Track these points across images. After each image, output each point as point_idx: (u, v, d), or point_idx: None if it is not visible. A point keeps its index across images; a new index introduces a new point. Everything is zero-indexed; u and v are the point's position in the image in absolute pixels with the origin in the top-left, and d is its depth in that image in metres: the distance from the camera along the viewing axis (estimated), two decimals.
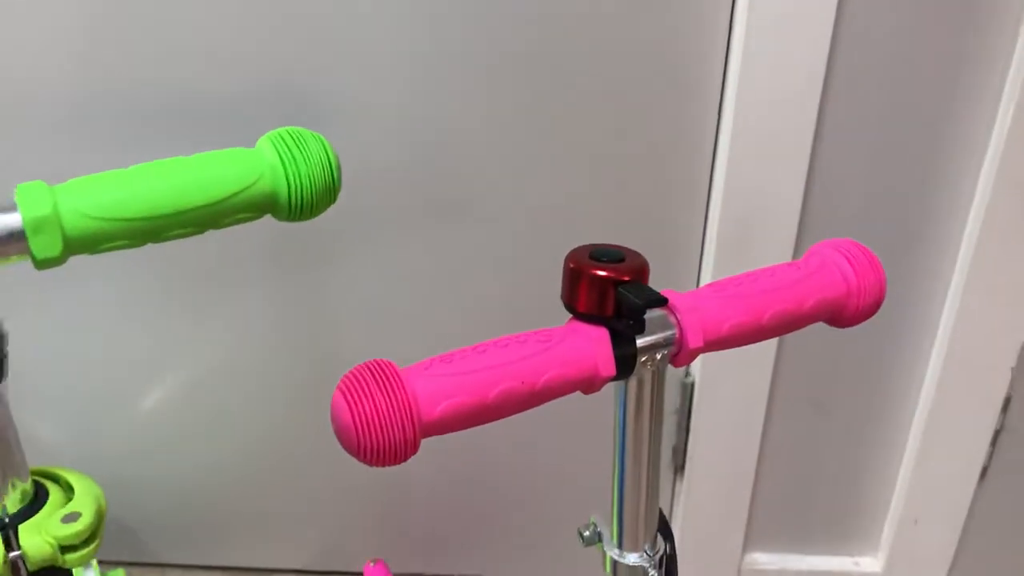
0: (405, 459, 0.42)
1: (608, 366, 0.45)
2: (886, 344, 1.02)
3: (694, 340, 0.47)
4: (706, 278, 0.97)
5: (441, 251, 0.97)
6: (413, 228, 0.95)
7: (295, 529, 1.15)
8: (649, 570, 0.52)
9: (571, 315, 0.47)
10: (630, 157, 0.92)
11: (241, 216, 0.50)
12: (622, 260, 0.46)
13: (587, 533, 0.55)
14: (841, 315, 0.51)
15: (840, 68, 0.86)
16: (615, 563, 0.53)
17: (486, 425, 0.43)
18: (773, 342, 1.00)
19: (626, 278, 0.45)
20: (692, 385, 1.04)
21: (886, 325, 1.00)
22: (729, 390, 1.02)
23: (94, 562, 0.52)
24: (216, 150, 0.51)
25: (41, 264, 0.46)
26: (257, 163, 0.49)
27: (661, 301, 0.44)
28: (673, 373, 1.04)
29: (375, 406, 0.39)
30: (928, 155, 0.92)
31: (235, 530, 1.16)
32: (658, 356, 0.47)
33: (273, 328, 1.01)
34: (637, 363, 0.46)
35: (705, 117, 0.90)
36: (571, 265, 0.46)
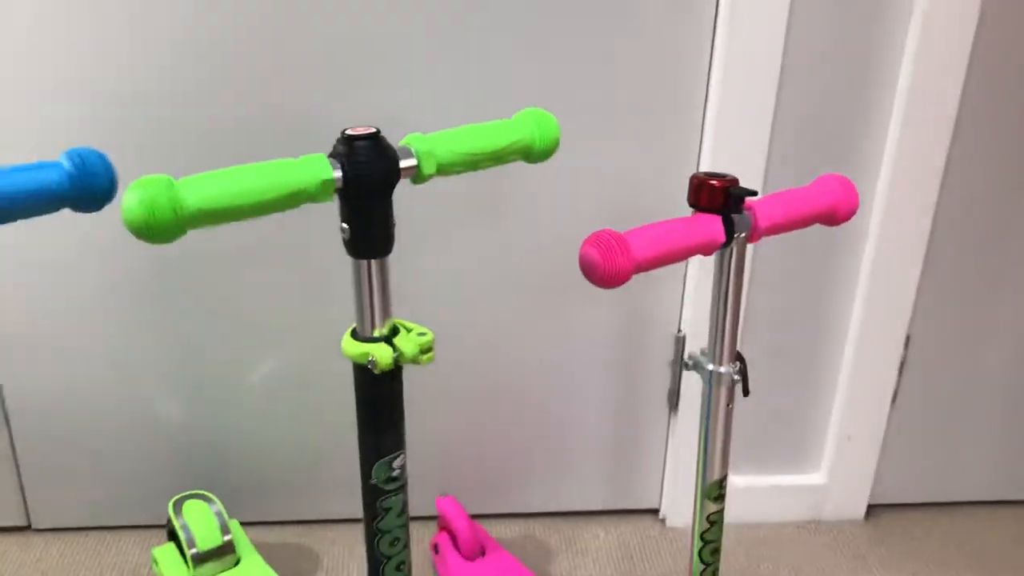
0: (623, 282, 0.74)
1: (721, 236, 0.79)
2: (821, 304, 1.40)
3: (763, 221, 0.81)
4: None
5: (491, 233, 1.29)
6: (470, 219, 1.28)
7: None
8: (735, 376, 0.86)
9: (694, 210, 0.81)
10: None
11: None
12: (724, 177, 0.81)
13: (690, 363, 0.88)
14: (836, 215, 0.87)
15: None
16: (712, 374, 0.86)
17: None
18: (741, 305, 1.37)
19: (729, 185, 0.80)
20: (683, 339, 1.39)
21: (821, 292, 1.38)
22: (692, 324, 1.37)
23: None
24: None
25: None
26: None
27: (752, 193, 0.79)
28: (668, 331, 1.39)
29: (610, 249, 0.72)
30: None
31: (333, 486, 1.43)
32: (743, 234, 0.82)
33: None
34: (734, 236, 0.81)
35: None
36: (695, 181, 0.80)
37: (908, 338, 1.41)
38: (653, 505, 1.49)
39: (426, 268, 1.28)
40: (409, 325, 0.76)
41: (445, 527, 1.38)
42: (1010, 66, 1.25)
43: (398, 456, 0.79)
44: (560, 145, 0.82)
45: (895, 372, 1.43)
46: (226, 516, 1.32)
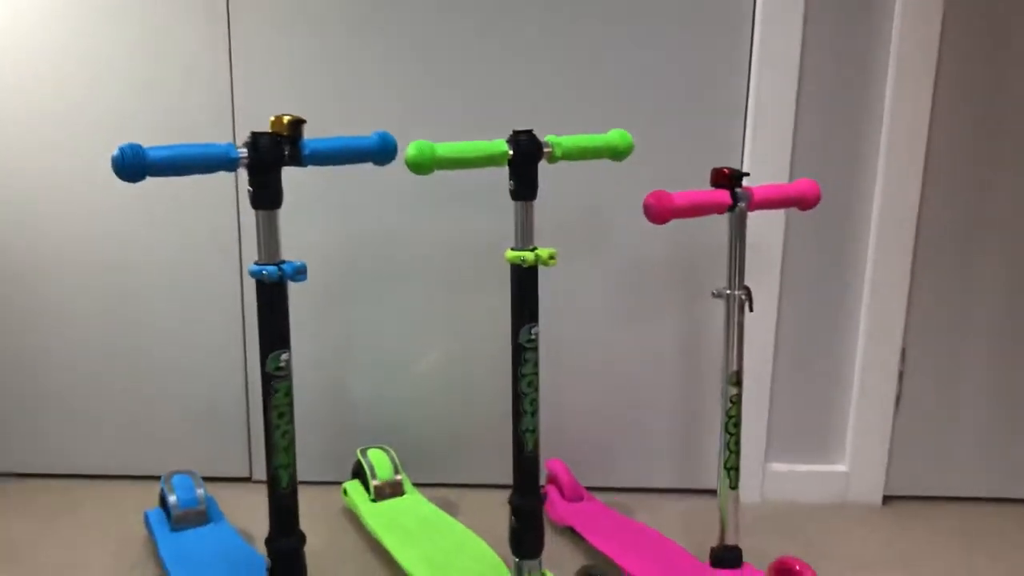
0: (667, 220, 1.30)
1: (728, 201, 1.36)
2: (834, 325, 1.89)
3: (757, 195, 1.38)
4: None
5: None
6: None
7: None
8: (743, 296, 1.39)
9: (712, 186, 1.38)
10: None
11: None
12: (732, 170, 1.38)
13: (716, 292, 1.42)
14: (806, 200, 1.42)
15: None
16: (730, 296, 1.40)
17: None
18: (775, 322, 1.88)
19: (733, 170, 1.37)
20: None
21: (834, 314, 1.89)
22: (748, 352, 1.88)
23: None
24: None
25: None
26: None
27: (745, 174, 1.36)
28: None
29: (657, 198, 1.29)
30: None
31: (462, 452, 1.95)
32: (743, 203, 1.38)
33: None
34: (737, 203, 1.37)
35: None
36: (713, 170, 1.38)
37: (903, 350, 1.89)
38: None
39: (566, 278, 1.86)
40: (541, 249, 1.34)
41: (553, 481, 1.87)
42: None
43: (535, 326, 1.34)
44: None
45: (895, 379, 1.90)
46: (399, 461, 1.85)
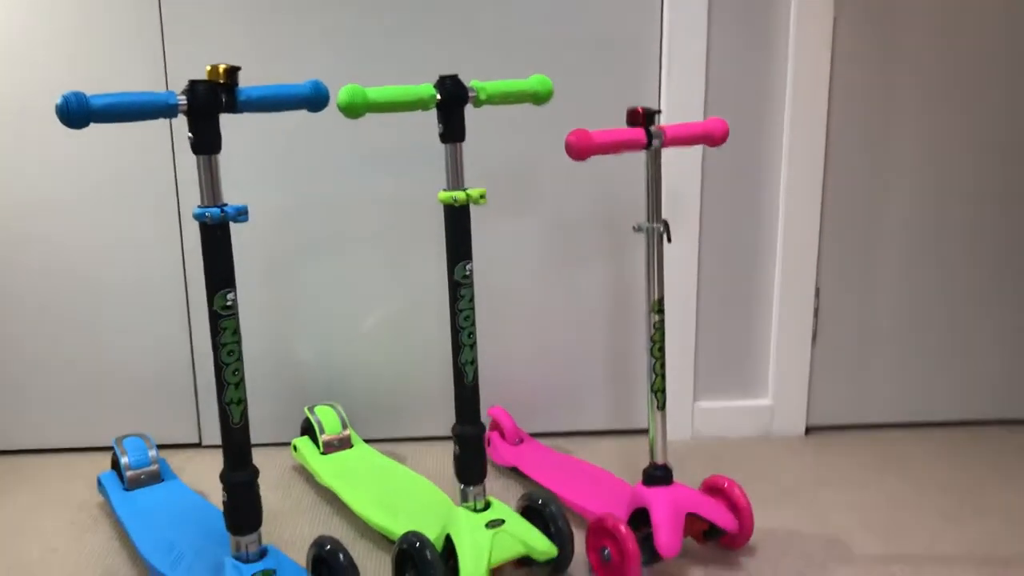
0: (587, 157, 1.40)
1: (643, 139, 1.46)
2: (752, 268, 2.02)
3: (669, 132, 1.48)
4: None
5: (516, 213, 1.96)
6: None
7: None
8: (661, 229, 1.49)
9: (628, 125, 1.48)
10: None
11: None
12: (646, 108, 1.48)
13: (637, 226, 1.52)
14: (714, 137, 1.53)
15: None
16: (649, 228, 1.50)
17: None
18: (696, 267, 1.99)
19: (647, 109, 1.47)
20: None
21: (752, 257, 2.00)
22: (673, 298, 1.99)
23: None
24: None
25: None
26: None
27: (657, 111, 1.46)
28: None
29: (577, 137, 1.38)
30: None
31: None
32: (656, 141, 1.48)
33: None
34: (652, 141, 1.47)
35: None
36: (629, 109, 1.48)
37: (817, 289, 2.02)
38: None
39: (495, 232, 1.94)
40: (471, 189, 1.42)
41: (495, 427, 1.96)
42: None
43: (469, 262, 1.42)
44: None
45: (811, 316, 2.03)
46: (346, 417, 1.92)
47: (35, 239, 1.93)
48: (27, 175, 1.90)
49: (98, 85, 1.76)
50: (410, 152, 1.90)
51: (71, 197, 1.92)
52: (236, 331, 1.29)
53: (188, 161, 1.81)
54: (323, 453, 1.86)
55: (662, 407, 1.53)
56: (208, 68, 1.23)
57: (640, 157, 1.48)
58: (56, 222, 1.92)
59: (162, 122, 1.86)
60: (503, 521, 1.40)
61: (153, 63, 1.85)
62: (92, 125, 1.14)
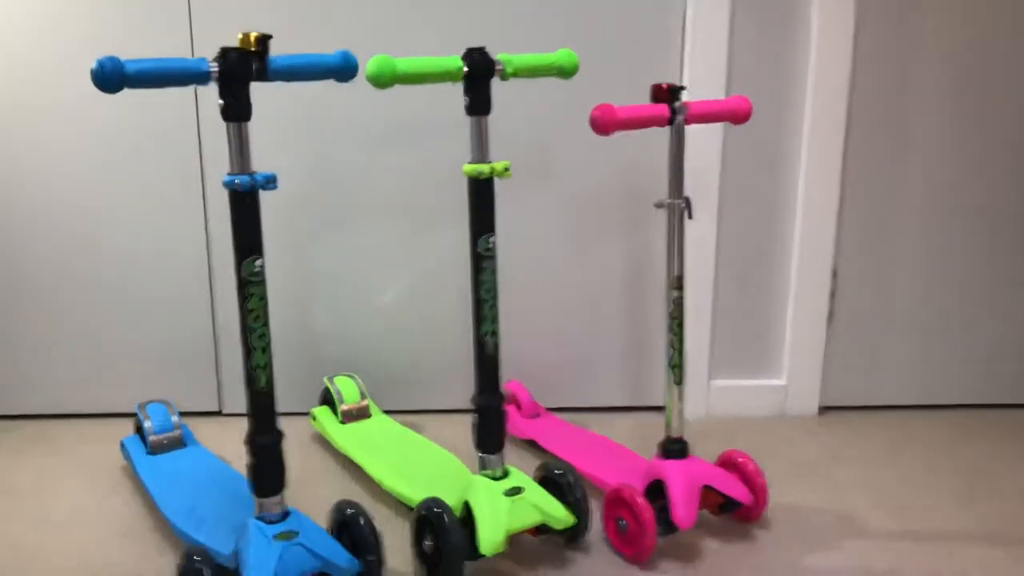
0: (612, 132, 1.41)
1: (667, 114, 1.47)
2: (774, 247, 2.03)
3: (693, 109, 1.49)
4: None
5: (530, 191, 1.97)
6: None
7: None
8: (683, 205, 1.50)
9: (652, 101, 1.49)
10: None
11: None
12: (671, 85, 1.49)
13: (659, 203, 1.53)
14: (737, 115, 1.54)
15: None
16: (671, 205, 1.51)
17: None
18: (715, 247, 2.00)
19: (671, 85, 1.48)
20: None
21: (771, 238, 2.01)
22: (691, 278, 2.00)
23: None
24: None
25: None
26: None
27: (682, 88, 1.47)
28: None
29: (602, 111, 1.39)
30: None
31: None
32: (680, 118, 1.49)
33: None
34: (676, 116, 1.48)
35: None
36: (653, 86, 1.49)
37: (835, 271, 2.03)
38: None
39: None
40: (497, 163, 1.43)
41: (513, 400, 1.98)
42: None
43: (492, 235, 1.44)
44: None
45: (828, 297, 2.04)
46: (364, 388, 1.94)
47: (58, 206, 1.95)
48: (52, 143, 1.92)
49: (124, 53, 1.78)
50: (429, 125, 1.91)
51: (96, 165, 1.94)
52: (263, 297, 1.31)
53: (213, 130, 1.84)
54: (342, 422, 1.89)
55: (680, 382, 1.54)
56: (240, 36, 1.24)
57: (663, 135, 1.48)
58: (79, 190, 1.95)
59: (187, 91, 1.88)
60: (522, 489, 1.42)
61: (180, 32, 1.86)
62: (119, 94, 1.16)
